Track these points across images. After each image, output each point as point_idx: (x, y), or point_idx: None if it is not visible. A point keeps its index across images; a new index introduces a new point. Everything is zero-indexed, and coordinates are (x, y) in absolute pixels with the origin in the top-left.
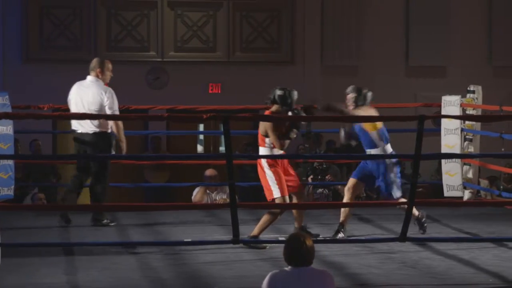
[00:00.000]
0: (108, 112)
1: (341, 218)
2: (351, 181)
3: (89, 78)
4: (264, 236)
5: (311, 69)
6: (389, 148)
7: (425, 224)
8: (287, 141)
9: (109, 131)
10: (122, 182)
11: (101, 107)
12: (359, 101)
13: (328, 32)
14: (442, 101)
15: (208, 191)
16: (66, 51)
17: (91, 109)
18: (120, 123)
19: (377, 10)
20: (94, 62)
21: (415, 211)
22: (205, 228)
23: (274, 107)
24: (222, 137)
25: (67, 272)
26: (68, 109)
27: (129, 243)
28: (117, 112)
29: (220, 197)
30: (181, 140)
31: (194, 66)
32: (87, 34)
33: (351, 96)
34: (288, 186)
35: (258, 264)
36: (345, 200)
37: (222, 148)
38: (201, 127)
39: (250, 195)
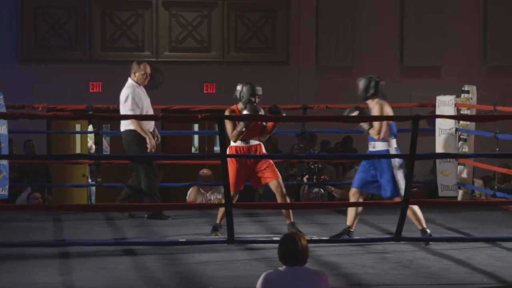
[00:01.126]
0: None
1: (348, 222)
2: (352, 190)
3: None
4: (258, 236)
5: (306, 69)
6: (394, 143)
7: (428, 234)
8: (239, 134)
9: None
10: (117, 182)
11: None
12: (369, 92)
13: (323, 32)
14: (437, 101)
15: (203, 191)
16: (60, 51)
17: (120, 107)
18: (137, 121)
19: (372, 11)
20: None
21: (423, 223)
22: (200, 228)
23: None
24: (217, 136)
25: (61, 272)
26: (61, 109)
27: (124, 243)
28: (129, 110)
29: (215, 197)
30: (176, 140)
31: (188, 66)
32: (82, 34)
33: (359, 88)
34: (262, 177)
35: (253, 264)
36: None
37: (216, 148)
38: (196, 127)
39: (245, 195)
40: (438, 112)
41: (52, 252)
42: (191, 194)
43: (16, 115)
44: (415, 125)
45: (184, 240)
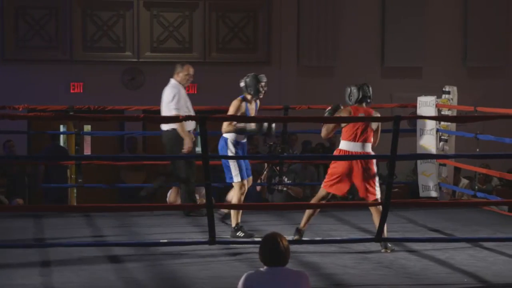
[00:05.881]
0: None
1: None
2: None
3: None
4: (240, 237)
5: (288, 70)
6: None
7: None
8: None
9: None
10: (98, 182)
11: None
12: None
13: (305, 33)
14: (418, 101)
15: None
16: (41, 51)
17: (163, 107)
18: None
19: (353, 11)
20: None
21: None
22: (181, 229)
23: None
24: (199, 137)
25: (42, 273)
26: (42, 110)
27: (105, 244)
28: (174, 109)
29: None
30: (157, 140)
31: (170, 66)
32: (63, 34)
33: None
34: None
35: (234, 264)
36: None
37: (198, 149)
38: None
39: (225, 196)
40: (419, 113)
41: (32, 254)
42: (171, 195)
43: None
44: (396, 126)
45: (165, 240)
